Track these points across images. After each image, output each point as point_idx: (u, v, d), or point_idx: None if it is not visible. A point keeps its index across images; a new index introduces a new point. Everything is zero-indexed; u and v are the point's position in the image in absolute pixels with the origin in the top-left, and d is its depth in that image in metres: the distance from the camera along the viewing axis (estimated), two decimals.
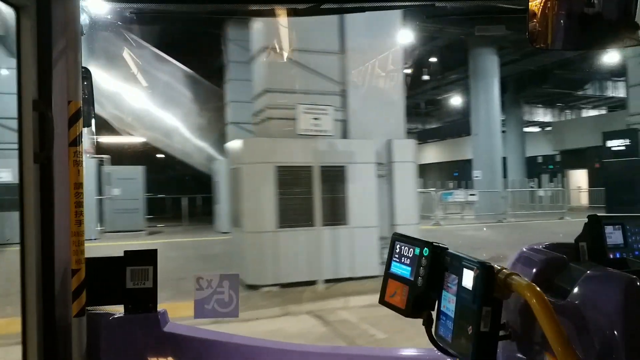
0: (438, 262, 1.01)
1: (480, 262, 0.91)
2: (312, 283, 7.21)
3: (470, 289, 0.91)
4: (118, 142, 17.46)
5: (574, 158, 27.26)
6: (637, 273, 0.90)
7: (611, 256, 1.20)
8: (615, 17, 1.00)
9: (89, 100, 1.44)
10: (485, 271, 0.90)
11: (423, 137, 40.01)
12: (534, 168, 29.87)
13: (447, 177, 36.40)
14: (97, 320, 1.38)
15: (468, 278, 0.93)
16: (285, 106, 7.57)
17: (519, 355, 1.02)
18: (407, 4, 2.81)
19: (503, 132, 31.94)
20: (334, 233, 7.59)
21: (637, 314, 0.84)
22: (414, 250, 1.05)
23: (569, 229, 15.72)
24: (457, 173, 36.02)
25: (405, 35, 16.09)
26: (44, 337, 1.27)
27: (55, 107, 1.28)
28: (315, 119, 7.18)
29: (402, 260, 1.08)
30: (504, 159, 31.12)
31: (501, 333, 0.94)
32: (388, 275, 1.10)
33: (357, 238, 7.72)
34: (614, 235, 1.22)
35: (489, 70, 19.53)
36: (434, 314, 1.03)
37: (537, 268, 1.08)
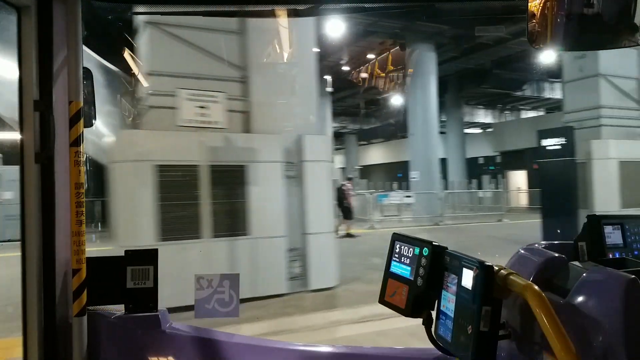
0: (438, 262, 1.03)
1: (480, 261, 0.93)
2: None
3: (470, 288, 0.93)
4: (13, 139, 15.40)
5: (513, 159, 27.48)
6: (636, 273, 0.90)
7: (610, 256, 1.21)
8: (614, 18, 1.02)
9: (90, 100, 1.42)
10: (484, 271, 0.92)
11: (367, 138, 39.38)
12: (475, 169, 30.00)
13: (391, 178, 36.42)
14: (98, 319, 1.39)
15: (468, 278, 0.94)
16: (171, 93, 6.20)
17: (518, 354, 1.03)
18: (407, 4, 2.81)
19: (443, 133, 31.99)
20: (232, 245, 6.54)
21: (637, 313, 0.84)
22: (413, 250, 1.08)
23: (506, 231, 15.11)
24: (401, 174, 35.30)
25: (333, 26, 15.10)
26: (44, 337, 1.30)
27: (56, 108, 1.31)
28: (202, 107, 5.86)
29: (402, 260, 1.10)
30: (444, 160, 31.10)
31: (501, 333, 0.95)
32: (388, 275, 1.12)
33: (261, 250, 6.69)
34: (613, 235, 1.24)
35: (427, 68, 18.85)
36: (433, 313, 1.04)
37: (536, 268, 1.09)
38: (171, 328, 1.43)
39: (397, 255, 1.12)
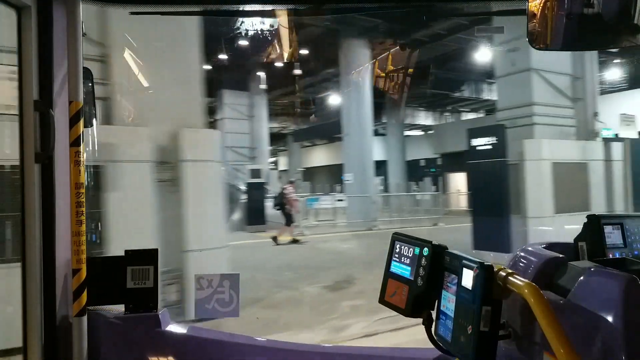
0: (438, 262, 1.04)
1: (480, 261, 0.94)
2: None
3: (470, 288, 0.94)
4: None
5: (453, 161, 27.20)
6: (636, 272, 0.91)
7: (610, 256, 1.21)
8: (614, 18, 1.02)
9: (90, 100, 1.46)
10: (484, 271, 0.92)
11: (307, 138, 38.21)
12: (417, 171, 29.51)
13: (335, 180, 35.60)
14: (98, 319, 1.41)
15: (468, 278, 0.95)
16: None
17: (518, 355, 1.03)
18: (407, 3, 2.67)
19: (384, 135, 31.41)
20: None
21: (637, 313, 0.85)
22: (413, 250, 1.08)
23: (439, 237, 14.05)
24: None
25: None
26: (45, 337, 1.31)
27: (56, 107, 1.33)
28: None
29: (402, 260, 1.11)
30: (385, 162, 30.48)
31: (501, 333, 0.96)
32: (388, 275, 1.14)
33: None
34: (613, 235, 1.24)
35: (361, 65, 17.78)
36: (433, 313, 1.05)
37: (536, 268, 1.10)
38: (171, 328, 1.44)
39: (397, 255, 1.14)
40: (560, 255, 1.12)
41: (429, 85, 22.62)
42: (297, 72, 21.06)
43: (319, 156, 40.41)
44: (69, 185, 1.34)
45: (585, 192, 10.62)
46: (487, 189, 10.11)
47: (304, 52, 20.78)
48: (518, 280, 0.90)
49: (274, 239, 13.47)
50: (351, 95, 18.54)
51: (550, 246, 1.21)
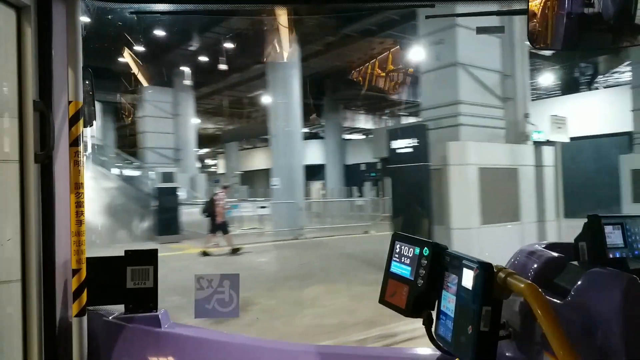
0: (438, 262, 1.05)
1: (480, 261, 0.95)
2: None
3: (470, 288, 0.94)
4: None
5: None
6: (637, 273, 0.93)
7: (611, 256, 1.21)
8: (614, 18, 1.04)
9: (90, 100, 1.46)
10: (485, 271, 0.93)
11: (237, 140, 36.30)
12: (357, 176, 28.53)
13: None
14: (98, 320, 1.43)
15: (468, 278, 0.96)
16: None
17: (518, 354, 1.06)
18: (406, 4, 2.76)
19: (322, 138, 30.25)
20: None
21: (637, 313, 0.86)
22: (414, 250, 1.09)
23: (366, 246, 12.47)
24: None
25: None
26: (44, 337, 1.32)
27: (55, 107, 1.35)
28: None
29: (402, 260, 1.12)
30: (323, 166, 29.30)
31: (501, 333, 0.97)
32: (388, 275, 1.14)
33: None
34: (613, 235, 1.23)
35: (288, 61, 16.35)
36: (433, 313, 1.06)
37: (536, 268, 1.11)
38: (171, 328, 1.46)
39: (397, 255, 1.14)
40: (561, 255, 1.14)
41: (364, 87, 21.57)
42: (224, 67, 19.40)
43: (259, 159, 38.79)
44: (69, 185, 1.36)
45: (514, 201, 9.61)
46: (408, 196, 8.91)
47: (231, 45, 19.21)
48: (518, 280, 0.91)
49: (234, 251, 12.53)
50: (277, 93, 17.08)
51: (550, 246, 1.23)
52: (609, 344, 0.85)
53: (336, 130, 28.91)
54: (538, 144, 10.10)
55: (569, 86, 23.12)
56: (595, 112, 20.73)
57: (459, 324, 0.96)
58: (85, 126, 1.38)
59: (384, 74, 18.97)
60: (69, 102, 1.34)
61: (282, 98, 16.97)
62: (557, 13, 1.05)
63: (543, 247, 1.20)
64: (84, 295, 1.35)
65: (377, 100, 27.40)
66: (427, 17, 8.62)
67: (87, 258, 1.37)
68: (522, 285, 0.89)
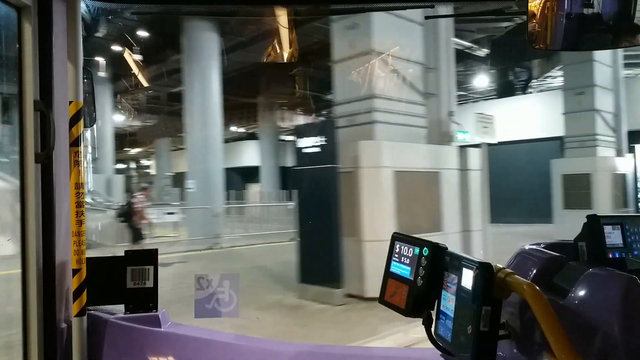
0: (438, 262, 1.04)
1: (480, 261, 0.95)
2: None
3: (470, 288, 0.94)
4: None
5: None
6: (636, 273, 0.93)
7: (610, 256, 1.22)
8: (613, 18, 1.04)
9: (90, 100, 1.50)
10: (484, 271, 0.93)
11: (152, 138, 34.12)
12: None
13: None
14: (98, 320, 1.44)
15: (467, 278, 0.95)
16: None
17: (518, 355, 1.06)
18: (406, 4, 2.56)
19: (257, 139, 28.76)
20: None
21: (637, 313, 0.87)
22: (413, 250, 1.09)
23: (287, 257, 10.86)
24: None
25: None
26: (44, 337, 1.34)
27: (56, 108, 1.35)
28: None
29: (402, 260, 1.11)
30: (257, 168, 27.84)
31: (501, 333, 0.97)
32: (388, 275, 1.14)
33: None
34: (613, 235, 1.24)
35: (206, 51, 14.86)
36: (433, 313, 1.06)
37: (536, 267, 1.11)
38: (171, 328, 1.47)
39: (397, 255, 1.14)
40: (561, 255, 1.14)
41: (295, 85, 20.31)
42: (139, 57, 17.55)
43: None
44: (69, 185, 1.37)
45: (436, 209, 8.53)
46: (315, 203, 7.63)
47: (147, 34, 17.40)
48: (518, 280, 0.92)
49: None
50: (194, 86, 15.44)
51: (550, 246, 1.24)
52: (608, 344, 0.86)
53: (272, 130, 27.50)
54: (463, 147, 9.12)
55: (505, 89, 22.88)
56: (529, 115, 20.48)
57: (459, 324, 0.97)
58: (86, 126, 1.39)
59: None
60: (70, 102, 1.36)
61: (199, 94, 15.33)
62: (557, 13, 1.07)
63: (543, 247, 1.22)
64: (84, 295, 1.37)
65: (314, 100, 26.25)
66: (427, 17, 8.23)
67: (87, 258, 1.39)
68: (522, 285, 0.90)
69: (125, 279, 1.44)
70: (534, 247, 1.21)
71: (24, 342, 1.29)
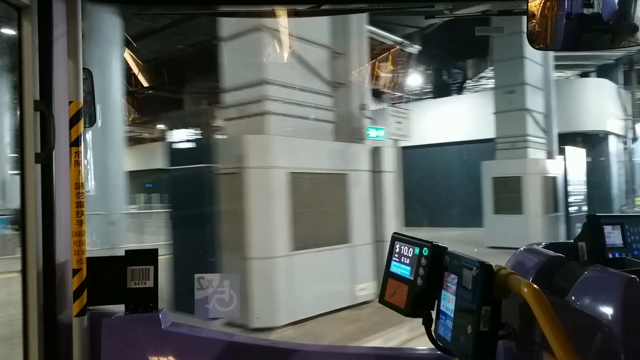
0: (438, 262, 1.06)
1: (480, 261, 0.96)
2: None
3: (470, 288, 0.96)
4: None
5: None
6: (636, 273, 0.94)
7: (610, 256, 1.24)
8: (613, 19, 1.05)
9: (90, 100, 1.49)
10: (484, 271, 0.94)
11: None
12: None
13: (140, 189, 30.30)
14: (98, 319, 1.46)
15: (467, 278, 0.97)
16: None
17: (518, 354, 1.08)
18: (406, 4, 2.62)
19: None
20: None
21: (636, 313, 0.88)
22: (413, 250, 1.10)
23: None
24: (151, 184, 31.37)
25: None
26: (45, 336, 1.35)
27: (56, 107, 1.36)
28: None
29: (402, 260, 1.12)
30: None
31: (500, 332, 0.99)
32: (388, 274, 1.16)
33: None
34: (613, 235, 1.26)
35: (105, 37, 12.98)
36: (433, 313, 1.08)
37: (536, 267, 1.13)
38: (171, 328, 1.48)
39: (397, 255, 1.15)
40: (560, 255, 1.15)
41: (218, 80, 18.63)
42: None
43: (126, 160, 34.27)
44: (69, 185, 1.37)
45: (343, 217, 7.24)
46: (187, 211, 6.14)
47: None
48: (518, 280, 0.93)
49: None
50: (94, 73, 13.51)
51: (550, 246, 1.24)
52: (608, 344, 0.87)
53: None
54: (375, 147, 7.91)
55: (440, 90, 22.27)
56: (463, 117, 19.89)
57: (459, 324, 0.98)
58: (86, 126, 1.40)
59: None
60: (70, 102, 1.36)
61: (99, 79, 13.45)
62: (557, 13, 1.07)
63: (543, 247, 1.23)
64: (84, 295, 1.37)
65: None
66: (427, 17, 7.97)
67: (88, 258, 1.39)
68: (522, 285, 0.91)
69: (126, 278, 1.46)
70: (534, 247, 1.24)
71: (25, 341, 1.33)
